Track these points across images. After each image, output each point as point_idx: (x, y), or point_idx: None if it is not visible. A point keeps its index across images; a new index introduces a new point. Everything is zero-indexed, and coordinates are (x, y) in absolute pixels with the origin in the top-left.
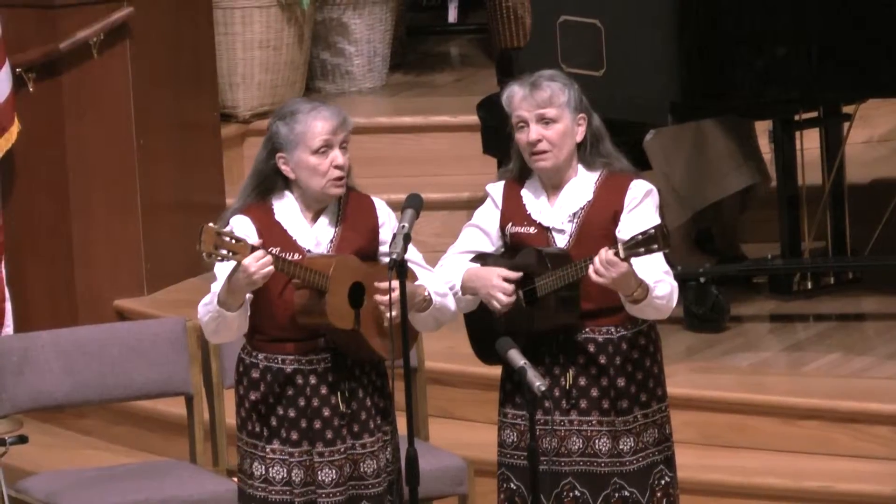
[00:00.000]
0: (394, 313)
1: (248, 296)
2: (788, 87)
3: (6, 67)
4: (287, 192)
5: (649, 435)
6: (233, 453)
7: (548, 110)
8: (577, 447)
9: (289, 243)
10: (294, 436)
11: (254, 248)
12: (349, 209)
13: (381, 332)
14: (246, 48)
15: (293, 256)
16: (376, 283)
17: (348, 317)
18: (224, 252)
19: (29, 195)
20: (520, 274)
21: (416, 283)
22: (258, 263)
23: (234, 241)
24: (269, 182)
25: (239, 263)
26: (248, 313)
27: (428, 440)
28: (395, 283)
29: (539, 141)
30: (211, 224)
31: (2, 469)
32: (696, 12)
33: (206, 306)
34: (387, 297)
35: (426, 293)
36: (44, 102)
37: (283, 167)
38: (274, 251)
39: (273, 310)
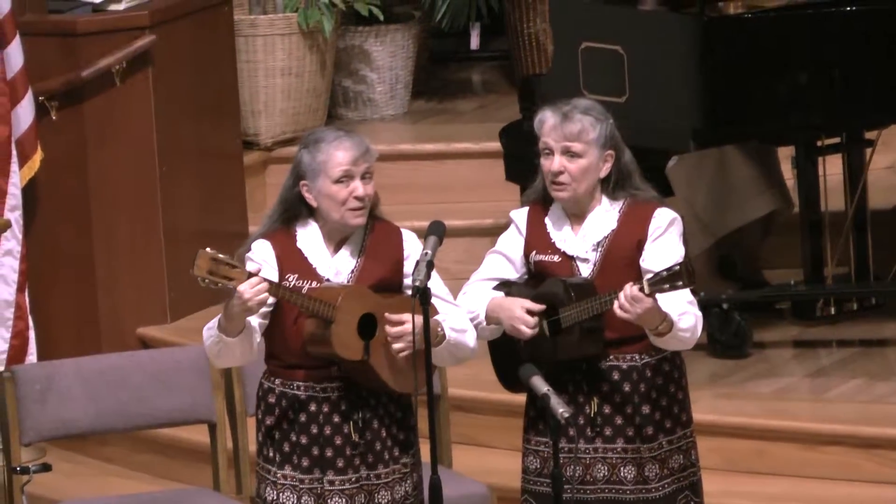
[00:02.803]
0: (400, 345)
1: (257, 322)
2: (811, 113)
3: (29, 96)
4: (311, 221)
5: (675, 461)
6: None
7: (574, 144)
8: (602, 475)
9: (308, 271)
10: (305, 462)
11: (251, 275)
12: (373, 240)
13: (393, 364)
14: (268, 76)
15: (311, 285)
16: (386, 315)
17: (356, 347)
18: (216, 279)
19: (52, 223)
20: (543, 306)
21: (432, 318)
22: (253, 290)
23: (229, 267)
24: (295, 209)
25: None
26: (257, 340)
27: (451, 467)
28: (409, 316)
29: (560, 173)
30: (208, 249)
31: (26, 497)
32: (718, 39)
33: (209, 330)
34: (396, 330)
35: (439, 329)
36: (66, 131)
37: (306, 195)
38: (282, 278)
39: (286, 336)
